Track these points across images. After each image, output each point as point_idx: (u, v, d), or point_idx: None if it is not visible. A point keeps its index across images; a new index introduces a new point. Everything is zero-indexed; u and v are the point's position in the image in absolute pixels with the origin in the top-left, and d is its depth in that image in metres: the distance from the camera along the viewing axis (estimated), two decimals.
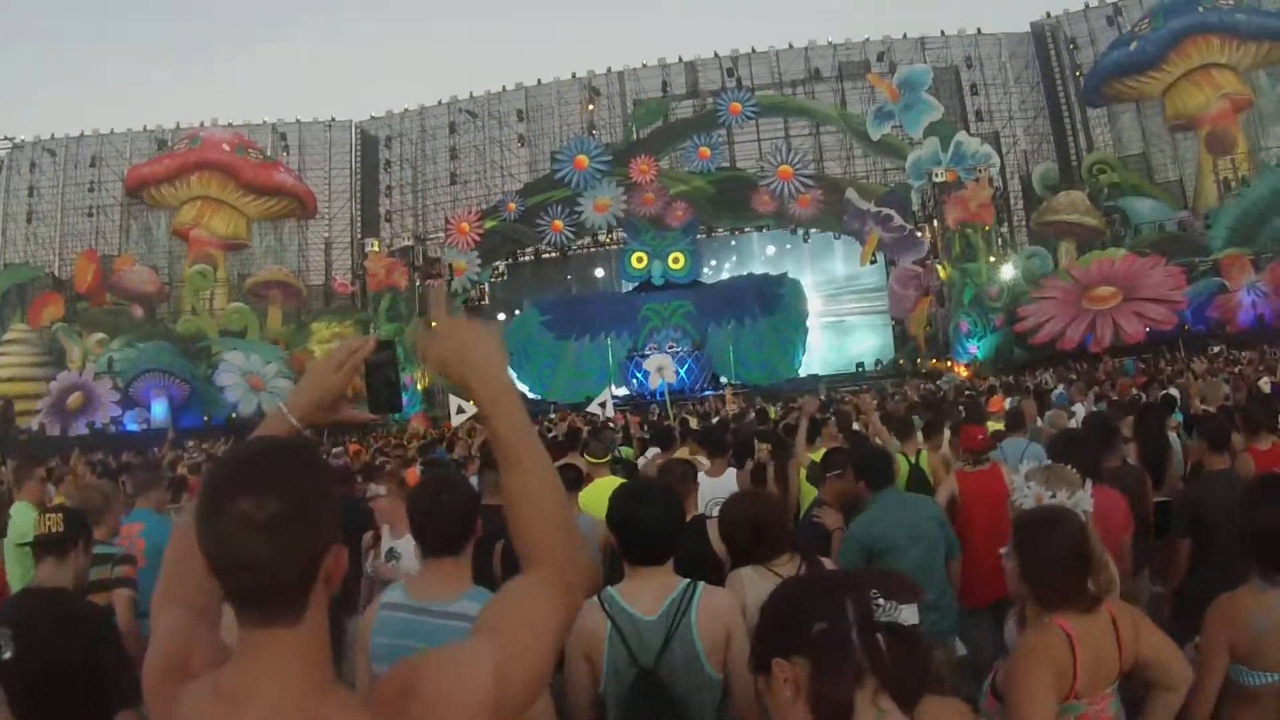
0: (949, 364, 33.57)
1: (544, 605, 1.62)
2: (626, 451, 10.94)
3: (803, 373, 37.23)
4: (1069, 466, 3.75)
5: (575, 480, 5.96)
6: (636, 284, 40.23)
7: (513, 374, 32.50)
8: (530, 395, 36.98)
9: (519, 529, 1.68)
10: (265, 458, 1.50)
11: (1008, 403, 12.40)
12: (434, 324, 1.77)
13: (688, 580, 3.25)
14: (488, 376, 1.73)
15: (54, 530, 4.07)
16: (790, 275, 39.57)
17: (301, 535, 1.43)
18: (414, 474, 7.78)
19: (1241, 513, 3.50)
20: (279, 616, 1.45)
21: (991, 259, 33.88)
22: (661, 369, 27.16)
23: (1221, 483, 5.39)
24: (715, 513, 6.13)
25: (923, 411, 10.66)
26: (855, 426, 10.04)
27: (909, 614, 2.17)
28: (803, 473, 7.35)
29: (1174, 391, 12.64)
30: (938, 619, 5.17)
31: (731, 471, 7.43)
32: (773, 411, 16.99)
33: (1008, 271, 34.23)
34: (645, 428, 15.08)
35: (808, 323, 39.14)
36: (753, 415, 15.96)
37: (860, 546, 5.15)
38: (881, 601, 1.94)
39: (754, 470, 8.31)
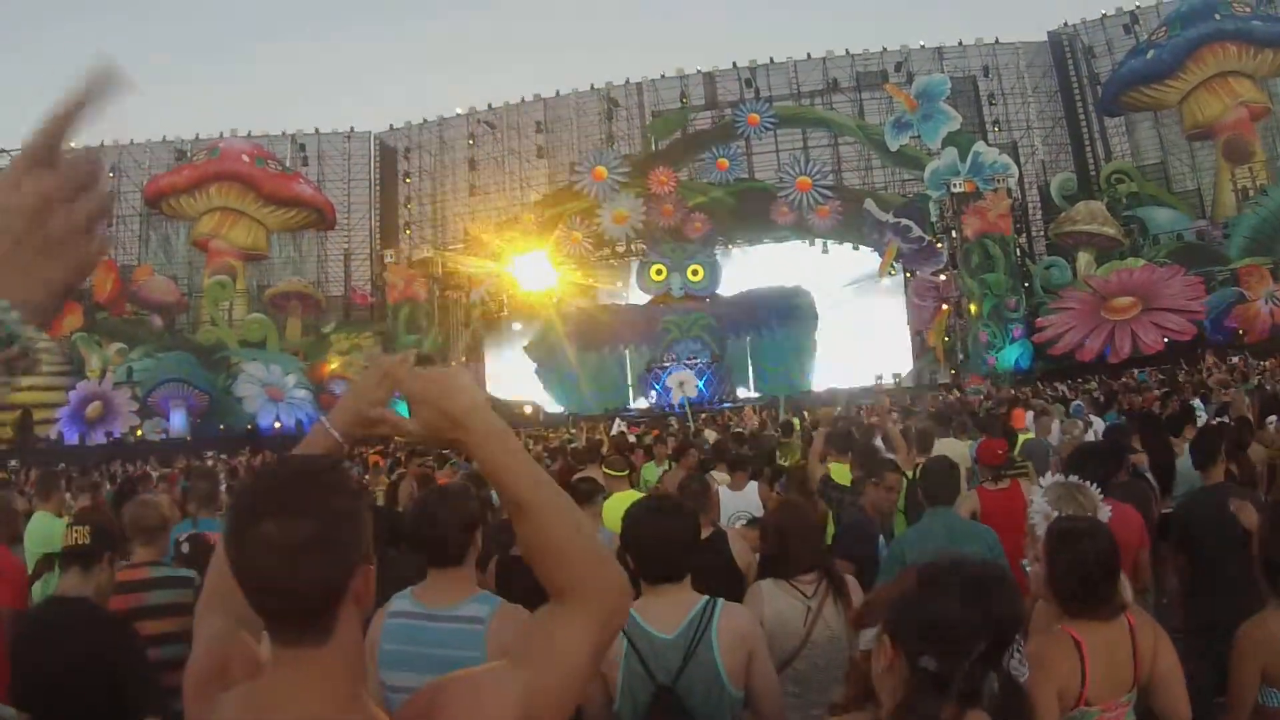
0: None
1: (578, 636, 1.61)
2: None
3: (820, 385, 37.00)
4: (1086, 483, 3.77)
5: (591, 492, 5.84)
6: (653, 296, 40.03)
7: (540, 384, 32.23)
8: (552, 408, 37.07)
9: (543, 573, 1.66)
10: (291, 481, 1.51)
11: (1029, 417, 12.31)
12: (405, 392, 1.75)
13: (707, 598, 3.23)
14: (474, 423, 1.68)
15: (80, 543, 4.12)
16: (805, 287, 39.35)
17: (325, 559, 1.44)
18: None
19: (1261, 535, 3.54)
20: (306, 636, 1.47)
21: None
22: (683, 384, 27.24)
23: (1209, 499, 5.38)
24: (736, 525, 6.16)
25: (939, 424, 10.57)
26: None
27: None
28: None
29: (1197, 403, 12.48)
30: None
31: (753, 485, 7.40)
32: (799, 424, 16.94)
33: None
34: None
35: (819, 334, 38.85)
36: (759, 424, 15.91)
37: (899, 565, 4.94)
38: (1016, 659, 2.03)
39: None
